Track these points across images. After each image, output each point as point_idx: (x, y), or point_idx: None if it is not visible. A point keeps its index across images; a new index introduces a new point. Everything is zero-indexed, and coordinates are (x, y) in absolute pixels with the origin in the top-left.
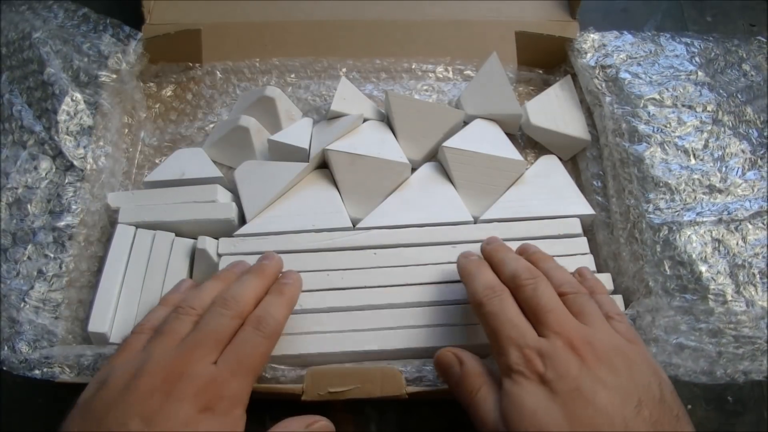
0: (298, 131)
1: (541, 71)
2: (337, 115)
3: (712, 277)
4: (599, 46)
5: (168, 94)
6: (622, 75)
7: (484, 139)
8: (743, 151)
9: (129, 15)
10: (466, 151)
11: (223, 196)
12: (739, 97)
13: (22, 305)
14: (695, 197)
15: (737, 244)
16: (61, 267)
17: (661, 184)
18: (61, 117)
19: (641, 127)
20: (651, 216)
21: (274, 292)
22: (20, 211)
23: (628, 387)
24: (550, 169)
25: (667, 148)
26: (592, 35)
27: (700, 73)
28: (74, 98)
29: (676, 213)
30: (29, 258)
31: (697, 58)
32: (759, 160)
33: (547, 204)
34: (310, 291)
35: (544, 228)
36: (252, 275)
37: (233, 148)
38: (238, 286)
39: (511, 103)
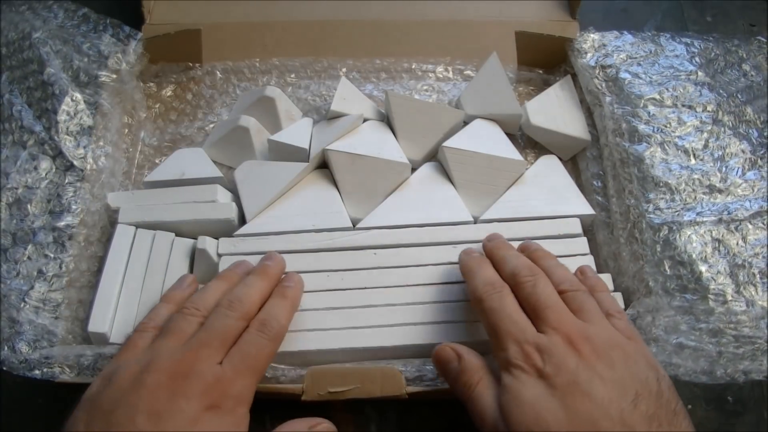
0: (298, 131)
1: (541, 71)
2: (337, 115)
3: (712, 277)
4: (599, 46)
5: (168, 94)
6: (622, 75)
7: (484, 139)
8: (743, 151)
9: (129, 15)
10: (466, 151)
11: (223, 196)
12: (739, 97)
13: (22, 305)
14: (695, 197)
15: (737, 244)
16: (61, 267)
17: (661, 184)
18: (61, 117)
19: (641, 127)
20: (651, 216)
21: (278, 295)
22: (20, 211)
23: (625, 380)
24: (550, 169)
25: (667, 148)
26: (592, 35)
27: (700, 73)
28: (74, 98)
29: (676, 213)
30: (29, 258)
31: (697, 58)
32: (759, 160)
33: (547, 204)
34: (311, 291)
35: (544, 228)
36: (256, 276)
37: (233, 148)
38: (243, 287)
39: (511, 103)
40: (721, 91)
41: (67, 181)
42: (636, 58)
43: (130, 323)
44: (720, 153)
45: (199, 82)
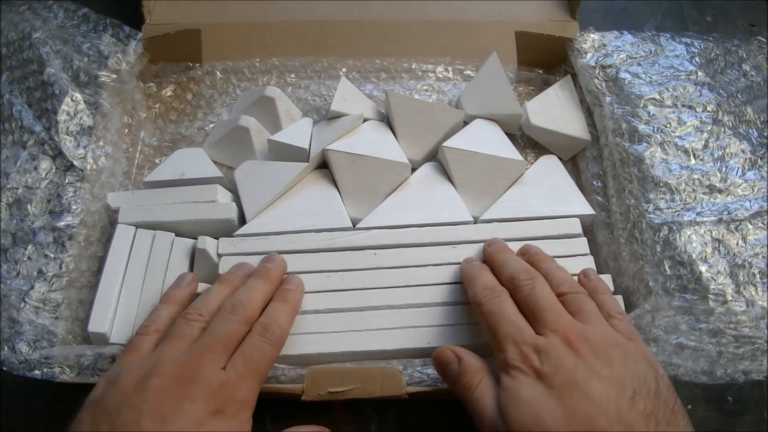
0: (298, 131)
1: (541, 71)
2: (337, 115)
3: (712, 277)
4: (599, 46)
5: (168, 94)
6: (622, 75)
7: (484, 139)
8: (743, 151)
9: (129, 15)
10: (466, 151)
11: (223, 196)
12: (739, 97)
13: (22, 305)
14: (695, 197)
15: (737, 244)
16: (61, 267)
17: (661, 184)
18: (61, 117)
19: (641, 127)
20: (651, 216)
21: (279, 298)
22: (20, 211)
23: (622, 378)
24: (550, 169)
25: (667, 148)
26: (592, 35)
27: (700, 73)
28: (74, 98)
29: (676, 213)
30: (29, 258)
31: (697, 58)
32: (759, 160)
33: (547, 204)
34: (311, 293)
35: (544, 228)
36: (257, 279)
37: (233, 148)
38: (245, 290)
39: (511, 103)
40: (721, 91)
41: (67, 181)
42: (636, 58)
43: (130, 323)
44: (720, 153)
45: (199, 82)
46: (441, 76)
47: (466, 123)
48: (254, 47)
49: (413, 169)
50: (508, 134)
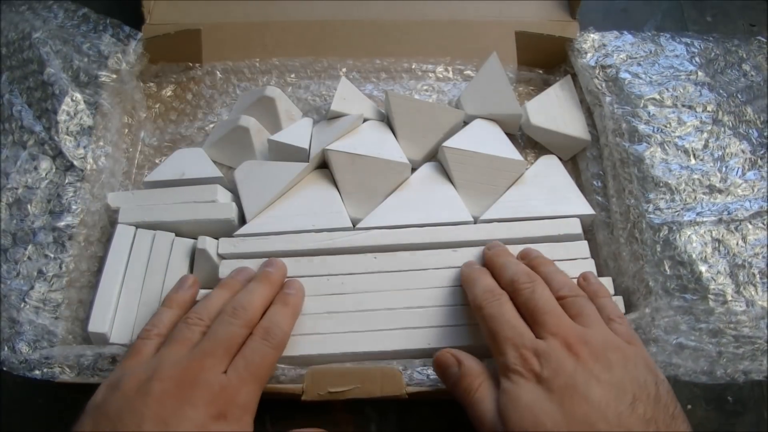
0: (298, 131)
1: (541, 71)
2: (337, 115)
3: (712, 277)
4: (599, 46)
5: (168, 94)
6: (622, 75)
7: (484, 139)
8: (743, 151)
9: (129, 15)
10: (466, 151)
11: (223, 196)
12: (739, 97)
13: (22, 305)
14: (695, 197)
15: (737, 244)
16: (61, 267)
17: (661, 184)
18: (61, 117)
19: (641, 127)
20: (651, 216)
21: (279, 302)
22: (20, 212)
23: (622, 382)
24: (550, 169)
25: (667, 148)
26: (592, 35)
27: (700, 73)
28: (74, 98)
29: (676, 213)
30: (29, 258)
31: (697, 58)
32: (759, 160)
33: (547, 204)
34: (311, 296)
35: (544, 228)
36: (258, 283)
37: (233, 148)
38: (246, 294)
39: (511, 103)
40: (721, 91)
41: (67, 181)
42: (636, 58)
43: (130, 323)
44: (720, 153)
45: (199, 82)
46: (441, 76)
47: (466, 123)
48: (254, 47)
49: (413, 169)
50: (508, 134)
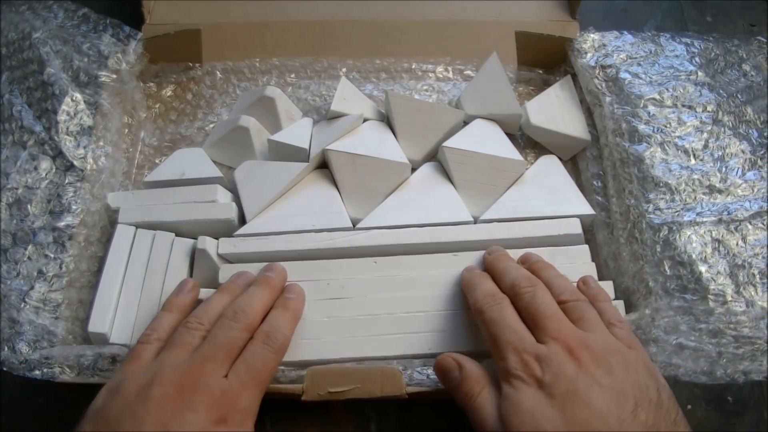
0: (298, 131)
1: (541, 71)
2: (337, 115)
3: (712, 278)
4: (599, 46)
5: (168, 94)
6: (622, 75)
7: (484, 139)
8: (743, 152)
9: (129, 15)
10: (466, 151)
11: (223, 196)
12: (739, 97)
13: (22, 305)
14: (695, 197)
15: (737, 244)
16: (61, 267)
17: (661, 184)
18: (61, 117)
19: (641, 127)
20: (651, 216)
21: (280, 306)
22: (20, 212)
23: (624, 388)
24: (550, 169)
25: (667, 148)
26: (592, 35)
27: (700, 73)
28: (74, 98)
29: (676, 213)
30: (29, 258)
31: (697, 58)
32: (759, 161)
33: (547, 204)
34: (312, 300)
35: (544, 228)
36: (258, 287)
37: (233, 148)
38: (246, 298)
39: (511, 103)
40: (721, 91)
41: (67, 181)
42: (636, 58)
43: (130, 323)
44: (720, 153)
45: (199, 82)
46: (441, 76)
47: (466, 123)
48: (254, 47)
49: (413, 169)
50: (508, 134)
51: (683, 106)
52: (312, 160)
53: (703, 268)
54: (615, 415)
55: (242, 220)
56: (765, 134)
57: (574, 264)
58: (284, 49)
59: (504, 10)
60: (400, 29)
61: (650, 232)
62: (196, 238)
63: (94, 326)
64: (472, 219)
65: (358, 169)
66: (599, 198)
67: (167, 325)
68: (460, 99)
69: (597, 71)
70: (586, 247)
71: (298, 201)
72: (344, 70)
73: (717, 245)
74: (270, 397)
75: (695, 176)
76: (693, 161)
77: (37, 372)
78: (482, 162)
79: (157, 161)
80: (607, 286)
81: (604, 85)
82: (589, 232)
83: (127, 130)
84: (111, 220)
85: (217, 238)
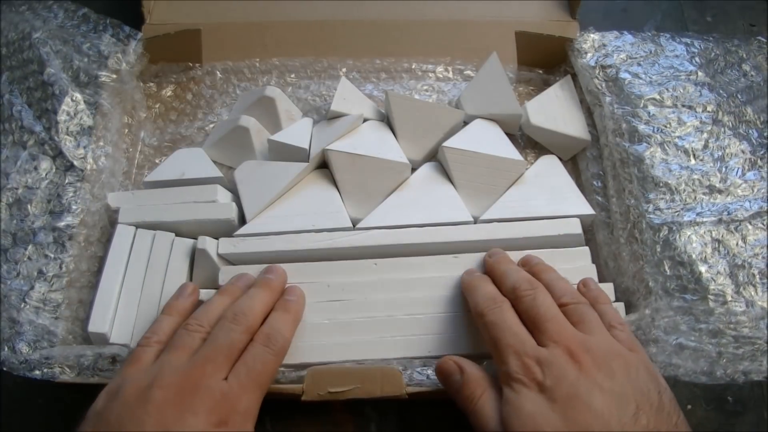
0: (298, 131)
1: (541, 71)
2: (337, 115)
3: (712, 278)
4: (599, 46)
5: (168, 94)
6: (622, 75)
7: (484, 139)
8: (743, 152)
9: (129, 15)
10: (466, 151)
11: (223, 196)
12: (739, 97)
13: (22, 305)
14: (695, 197)
15: (737, 244)
16: (61, 267)
17: (661, 184)
18: (61, 117)
19: (641, 127)
20: (651, 216)
21: (280, 308)
22: (20, 212)
23: (625, 391)
24: (550, 169)
25: (667, 148)
26: (592, 35)
27: (700, 74)
28: (74, 98)
29: (676, 213)
30: (29, 258)
31: (697, 59)
32: (759, 161)
33: (547, 204)
34: (311, 303)
35: (545, 228)
36: (258, 289)
37: (233, 148)
38: (246, 300)
39: (511, 103)
40: (721, 91)
41: (67, 181)
42: (636, 58)
43: (130, 323)
44: (720, 153)
45: (199, 82)
46: (441, 76)
47: (466, 123)
48: (254, 47)
49: (413, 169)
50: (508, 134)
51: (683, 106)
52: (312, 160)
53: (703, 268)
54: (616, 419)
55: (242, 220)
56: (765, 134)
57: (575, 266)
58: (284, 49)
59: (504, 10)
60: (400, 29)
61: (650, 232)
62: (196, 238)
63: (94, 326)
64: (472, 219)
65: (358, 169)
66: (599, 198)
67: (167, 327)
68: (460, 99)
69: (597, 71)
70: (586, 248)
71: (298, 201)
72: (344, 70)
73: (717, 245)
74: (270, 398)
75: (695, 176)
76: (693, 161)
77: (37, 372)
78: (482, 162)
79: (157, 161)
80: (608, 288)
81: (604, 85)
82: (589, 232)
83: (127, 130)
84: (111, 220)
85: (217, 238)
